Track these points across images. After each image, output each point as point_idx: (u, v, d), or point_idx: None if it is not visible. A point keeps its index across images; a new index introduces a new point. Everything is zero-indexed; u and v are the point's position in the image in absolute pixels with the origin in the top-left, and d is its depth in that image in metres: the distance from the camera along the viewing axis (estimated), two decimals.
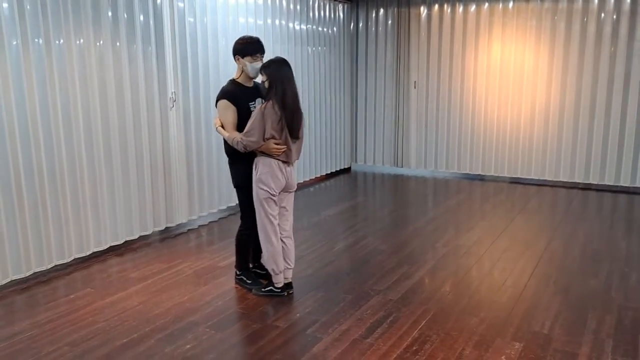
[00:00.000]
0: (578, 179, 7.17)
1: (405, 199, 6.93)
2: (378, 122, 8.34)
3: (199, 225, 5.54)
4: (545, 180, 7.37)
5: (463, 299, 3.74)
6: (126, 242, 4.89)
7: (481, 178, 7.81)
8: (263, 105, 3.49)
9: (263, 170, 3.57)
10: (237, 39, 3.75)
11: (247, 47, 3.64)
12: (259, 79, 3.72)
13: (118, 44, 4.57)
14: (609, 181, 7.00)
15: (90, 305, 3.65)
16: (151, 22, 4.84)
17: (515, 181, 7.56)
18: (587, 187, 7.15)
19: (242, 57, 3.65)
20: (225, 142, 3.71)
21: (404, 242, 5.00)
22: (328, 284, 4.01)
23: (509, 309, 3.57)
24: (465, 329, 3.30)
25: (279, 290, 3.78)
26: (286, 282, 3.81)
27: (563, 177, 7.25)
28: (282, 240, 3.74)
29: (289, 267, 3.81)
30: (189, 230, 5.40)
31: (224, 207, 5.95)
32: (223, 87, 3.73)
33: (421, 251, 4.75)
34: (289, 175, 3.67)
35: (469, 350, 3.05)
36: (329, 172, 7.97)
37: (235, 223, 5.52)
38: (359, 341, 3.15)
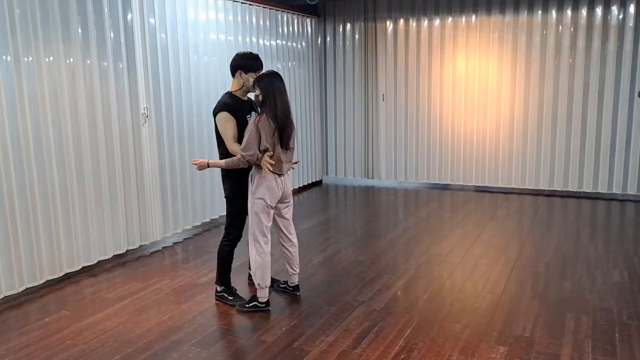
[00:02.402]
0: (543, 186, 7.40)
1: (378, 210, 7.00)
2: (348, 135, 8.43)
3: (174, 243, 5.46)
4: (512, 188, 7.58)
5: (445, 307, 3.79)
6: (99, 262, 4.77)
7: (449, 187, 7.96)
8: (257, 118, 3.54)
9: (259, 182, 3.62)
10: (237, 54, 3.83)
11: (253, 63, 3.74)
12: (252, 94, 3.81)
13: (89, 61, 4.50)
14: (572, 187, 7.25)
15: (67, 328, 3.54)
16: (122, 38, 4.78)
17: (483, 190, 7.74)
18: (552, 194, 7.38)
19: (246, 73, 3.73)
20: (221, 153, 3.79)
21: (381, 252, 5.05)
22: (311, 297, 4.00)
23: (490, 315, 3.64)
24: (450, 335, 3.35)
25: (263, 305, 3.75)
26: (292, 285, 4.01)
27: (529, 185, 7.46)
28: (287, 249, 3.92)
29: (295, 272, 3.97)
30: (163, 248, 5.31)
31: (199, 224, 5.88)
32: (221, 100, 3.75)
33: (399, 261, 4.80)
34: (284, 186, 3.74)
35: (456, 356, 3.10)
36: (300, 185, 7.99)
37: (210, 239, 5.52)
38: (347, 352, 3.16)
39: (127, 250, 5.04)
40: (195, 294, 4.09)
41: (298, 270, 4.01)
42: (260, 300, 3.75)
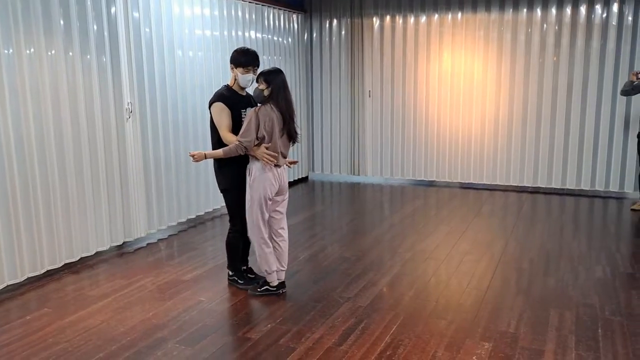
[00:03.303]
0: (527, 183, 7.45)
1: (364, 206, 7.00)
2: (334, 131, 8.42)
3: (159, 239, 5.40)
4: (497, 184, 7.62)
5: (430, 303, 3.80)
6: (82, 258, 4.70)
7: (434, 184, 7.99)
8: (258, 107, 3.66)
9: (257, 175, 3.71)
10: (236, 48, 3.94)
11: (241, 58, 3.83)
12: (250, 89, 3.89)
13: (71, 53, 4.42)
14: (555, 184, 7.31)
15: (49, 326, 3.49)
16: (105, 32, 4.71)
17: (467, 186, 7.77)
18: (535, 191, 7.44)
19: (235, 67, 3.82)
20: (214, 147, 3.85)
21: (367, 249, 5.04)
22: (297, 294, 3.99)
23: (475, 311, 3.65)
24: (435, 332, 3.36)
25: (275, 289, 3.92)
26: (279, 281, 3.95)
27: (513, 182, 7.52)
28: (277, 243, 3.93)
29: (283, 269, 3.97)
30: (148, 244, 5.25)
31: (184, 220, 5.83)
32: (218, 91, 3.86)
33: (385, 258, 4.80)
34: (280, 178, 3.83)
35: (441, 352, 3.10)
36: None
37: (196, 236, 5.49)
38: (333, 349, 3.15)
39: (110, 247, 4.98)
40: (180, 291, 4.05)
41: (286, 267, 4.03)
42: (271, 284, 3.90)
